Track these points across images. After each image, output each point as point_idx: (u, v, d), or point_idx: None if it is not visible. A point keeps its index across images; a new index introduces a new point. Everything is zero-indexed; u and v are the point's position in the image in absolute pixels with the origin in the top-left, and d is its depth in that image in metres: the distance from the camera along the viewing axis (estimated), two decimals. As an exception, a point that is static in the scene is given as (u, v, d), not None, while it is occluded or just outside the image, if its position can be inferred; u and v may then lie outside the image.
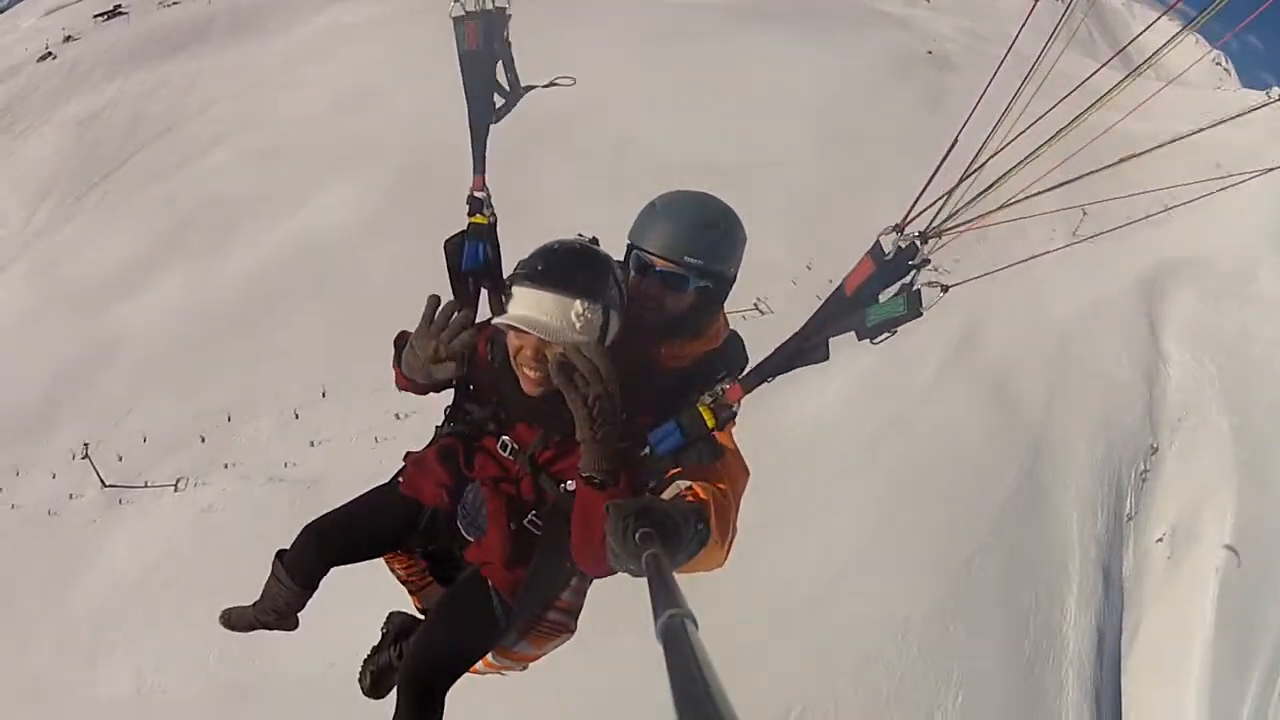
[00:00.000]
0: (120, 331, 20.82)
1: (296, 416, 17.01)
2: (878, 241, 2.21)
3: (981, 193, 2.12)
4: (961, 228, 2.08)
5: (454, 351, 2.42)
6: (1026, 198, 2.12)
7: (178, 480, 17.63)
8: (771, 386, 2.61)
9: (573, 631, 3.02)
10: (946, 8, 31.06)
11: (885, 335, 2.19)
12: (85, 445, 17.81)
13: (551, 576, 2.69)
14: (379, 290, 18.10)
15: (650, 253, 2.62)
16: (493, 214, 3.05)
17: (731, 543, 2.19)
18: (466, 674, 2.94)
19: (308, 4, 28.66)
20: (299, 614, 3.18)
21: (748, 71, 24.16)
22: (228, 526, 16.51)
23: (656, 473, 2.33)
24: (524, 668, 3.23)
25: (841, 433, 14.35)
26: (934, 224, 2.13)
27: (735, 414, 2.36)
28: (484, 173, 3.08)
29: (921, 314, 2.13)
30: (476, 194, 3.07)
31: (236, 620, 3.26)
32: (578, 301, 2.25)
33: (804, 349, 2.37)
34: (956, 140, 2.25)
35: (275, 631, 3.18)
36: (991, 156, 2.15)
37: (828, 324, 2.34)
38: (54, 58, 37.18)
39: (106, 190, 25.17)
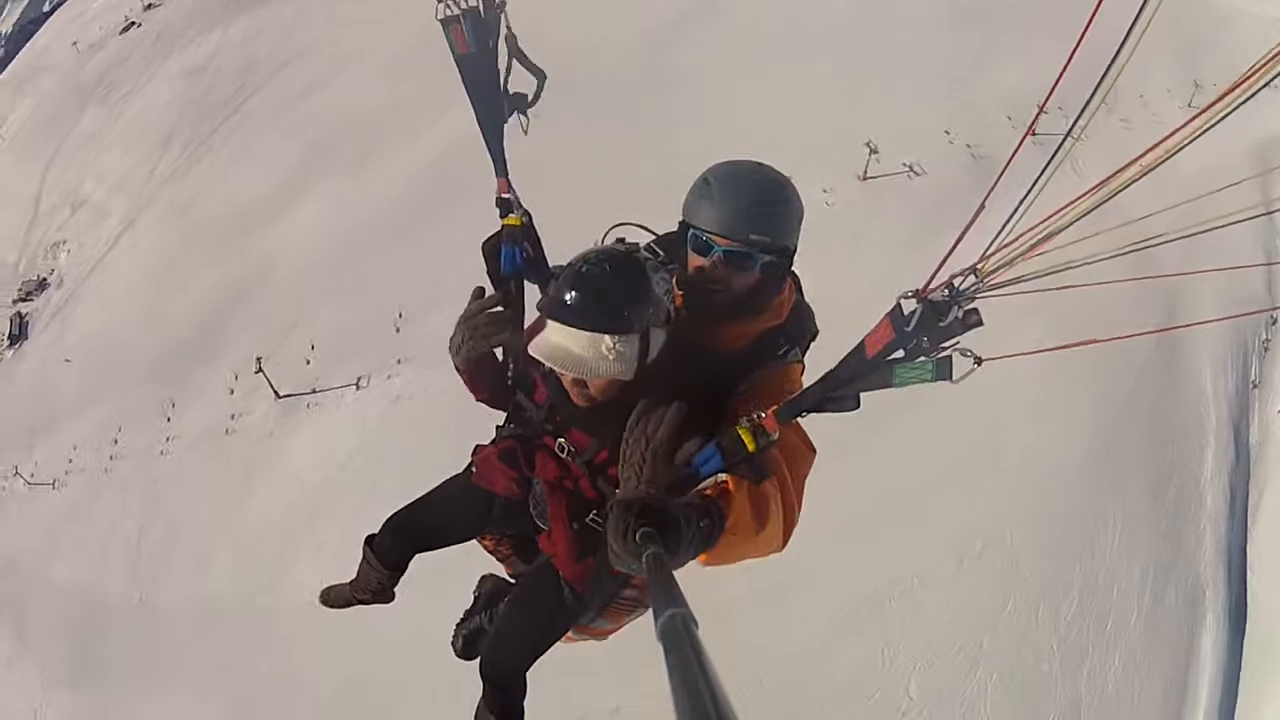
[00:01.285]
0: (273, 251, 21.22)
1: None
2: (897, 304, 2.17)
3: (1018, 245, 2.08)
4: (991, 294, 2.03)
5: (480, 349, 2.74)
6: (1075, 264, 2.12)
7: (359, 379, 17.67)
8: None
9: (649, 606, 3.15)
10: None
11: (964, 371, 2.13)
12: (258, 360, 18.00)
13: None
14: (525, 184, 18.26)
15: (711, 232, 2.61)
16: (525, 213, 3.08)
17: (790, 524, 2.24)
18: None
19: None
20: (394, 591, 3.51)
21: None
22: (420, 412, 16.62)
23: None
24: (604, 639, 3.57)
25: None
26: (965, 286, 2.07)
27: (774, 440, 2.29)
28: (506, 174, 3.12)
29: (953, 380, 2.10)
30: (503, 195, 3.11)
31: (335, 598, 3.67)
32: (607, 337, 2.34)
33: (832, 398, 2.34)
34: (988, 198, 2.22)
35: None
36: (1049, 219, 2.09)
37: (853, 380, 2.30)
38: (139, 25, 38.79)
39: (233, 128, 26.05)
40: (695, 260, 2.71)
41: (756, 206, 2.59)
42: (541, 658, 3.24)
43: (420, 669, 11.71)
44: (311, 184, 22.12)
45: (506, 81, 3.16)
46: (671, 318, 2.52)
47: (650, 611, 2.95)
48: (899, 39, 20.26)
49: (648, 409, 2.30)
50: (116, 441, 20.42)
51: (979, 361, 2.08)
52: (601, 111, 20.09)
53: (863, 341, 2.29)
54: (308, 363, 18.80)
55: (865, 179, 17.39)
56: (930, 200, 15.99)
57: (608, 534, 1.89)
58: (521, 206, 3.11)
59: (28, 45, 43.48)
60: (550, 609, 3.07)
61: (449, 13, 2.92)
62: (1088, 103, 2.48)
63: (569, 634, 3.37)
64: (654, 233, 2.94)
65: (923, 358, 2.18)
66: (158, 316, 21.70)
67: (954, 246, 2.15)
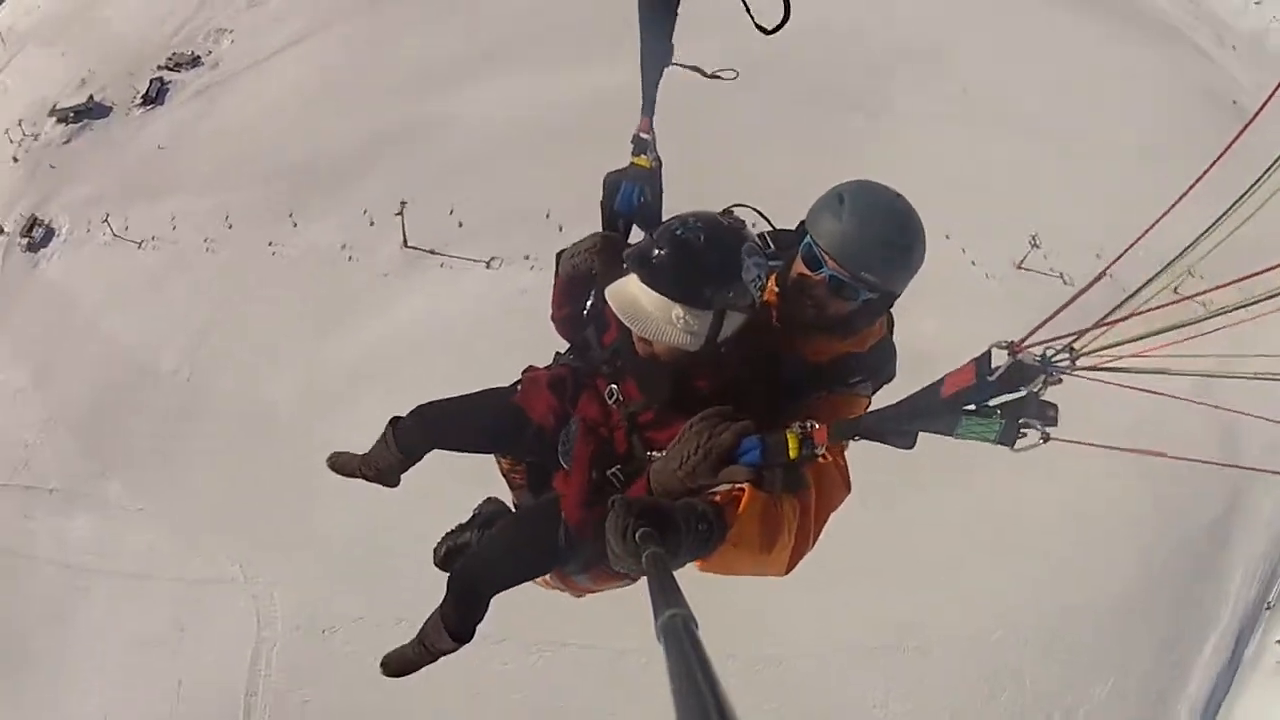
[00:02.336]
0: (448, 116, 21.79)
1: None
2: (988, 351, 2.13)
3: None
4: (1079, 373, 2.01)
5: (583, 265, 2.89)
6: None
7: (492, 259, 18.03)
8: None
9: (634, 580, 3.10)
10: (1250, 57, 31.45)
11: (1029, 443, 2.12)
12: (402, 203, 18.40)
13: None
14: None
15: (825, 251, 2.56)
16: (657, 158, 3.10)
17: (799, 552, 2.29)
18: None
19: None
20: (400, 476, 3.51)
21: (1078, 52, 25.55)
22: (537, 311, 16.87)
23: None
24: (579, 596, 3.63)
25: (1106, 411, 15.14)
26: (1058, 353, 2.03)
27: (818, 455, 2.29)
28: (651, 115, 3.11)
29: (1011, 448, 2.08)
30: (643, 135, 3.11)
31: (342, 464, 3.64)
32: (679, 306, 2.38)
33: (891, 430, 2.32)
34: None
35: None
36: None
37: (918, 417, 2.27)
38: None
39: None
40: (801, 269, 2.69)
41: (879, 246, 2.55)
42: (511, 590, 3.27)
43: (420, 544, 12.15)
44: (507, 68, 22.66)
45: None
46: (756, 306, 2.53)
47: (621, 584, 3.31)
48: (1097, 155, 21.57)
49: (724, 415, 2.32)
50: (230, 225, 21.04)
51: (1046, 438, 2.07)
52: (790, 106, 21.12)
53: (942, 379, 2.23)
54: (444, 227, 19.24)
55: (1020, 267, 18.62)
56: (1068, 311, 16.32)
57: (607, 533, 1.90)
58: (655, 152, 3.11)
59: None
60: (541, 544, 3.04)
61: None
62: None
63: (547, 577, 3.46)
64: (771, 224, 2.97)
65: (993, 418, 2.13)
66: (308, 132, 22.34)
67: (1056, 312, 2.10)
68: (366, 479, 3.57)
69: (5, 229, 24.46)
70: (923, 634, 13.97)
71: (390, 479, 3.55)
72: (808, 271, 2.66)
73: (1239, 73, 34.16)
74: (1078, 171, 20.63)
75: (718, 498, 2.20)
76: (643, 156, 3.08)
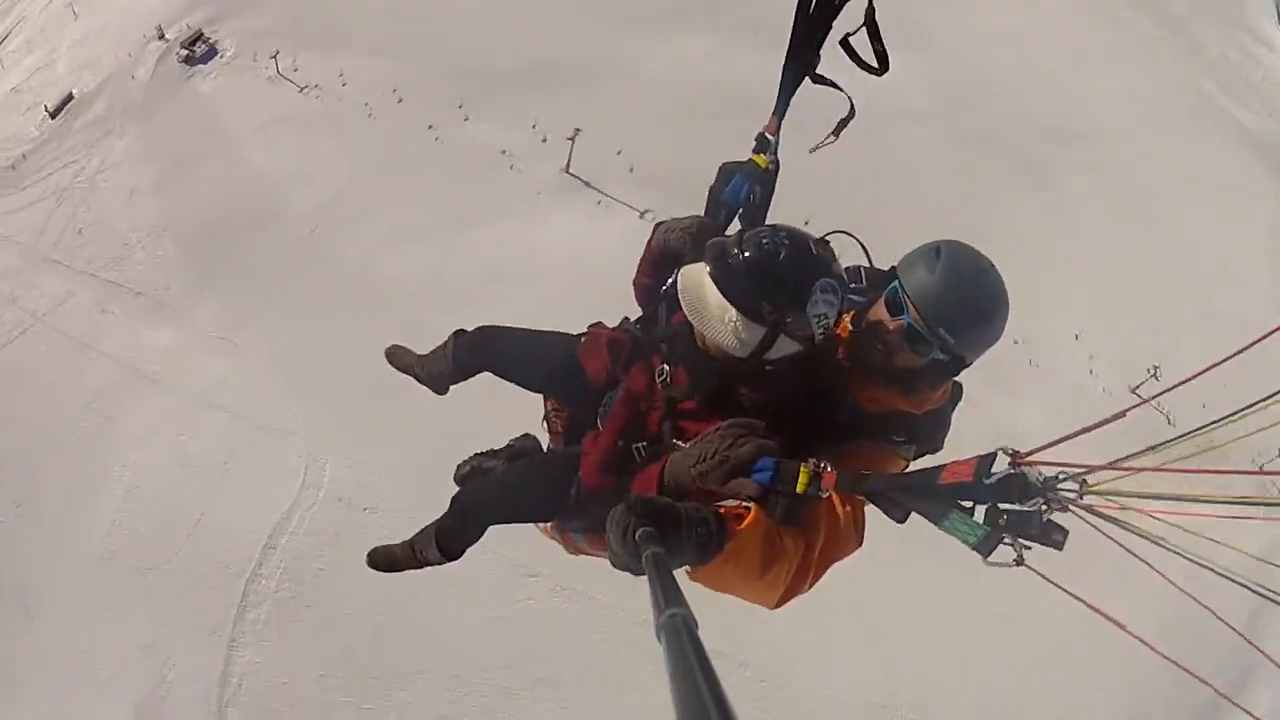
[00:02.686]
0: (632, 61, 21.41)
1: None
2: (993, 454, 2.05)
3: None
4: (1081, 511, 1.93)
5: (676, 241, 3.02)
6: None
7: (646, 211, 17.61)
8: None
9: None
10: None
11: (1012, 556, 2.06)
12: (576, 130, 18.01)
13: None
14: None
15: (910, 299, 2.60)
16: (775, 161, 3.25)
17: (793, 591, 2.31)
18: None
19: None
20: (449, 386, 3.82)
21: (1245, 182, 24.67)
22: None
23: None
24: (573, 553, 3.66)
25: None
26: (1066, 479, 1.93)
27: (823, 497, 2.33)
28: (782, 117, 3.26)
29: (985, 559, 2.02)
30: (769, 135, 3.25)
31: (399, 358, 4.00)
32: (733, 310, 2.49)
33: (886, 498, 2.29)
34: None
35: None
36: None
37: (911, 495, 2.23)
38: None
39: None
40: (880, 312, 2.71)
41: (964, 308, 2.56)
42: (509, 526, 3.36)
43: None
44: (702, 26, 22.27)
45: (880, 49, 3.17)
46: (816, 339, 2.57)
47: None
48: (1240, 295, 20.70)
49: (752, 428, 2.36)
50: (399, 100, 20.79)
51: (1019, 562, 2.01)
52: (956, 149, 20.82)
53: (943, 466, 2.16)
54: (629, 169, 18.78)
55: (1134, 392, 18.13)
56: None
57: (608, 532, 1.93)
58: (775, 155, 3.22)
59: None
60: (550, 492, 3.10)
61: None
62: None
63: (548, 526, 3.51)
64: (870, 258, 2.96)
65: (981, 521, 2.07)
66: (492, 32, 22.49)
67: (1073, 434, 2.06)
68: (417, 379, 3.86)
69: (168, 36, 24.71)
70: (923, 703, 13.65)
71: (440, 385, 3.83)
72: (886, 316, 2.68)
73: None
74: (1215, 309, 19.87)
75: (723, 510, 2.20)
76: (762, 155, 3.19)
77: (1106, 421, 2.09)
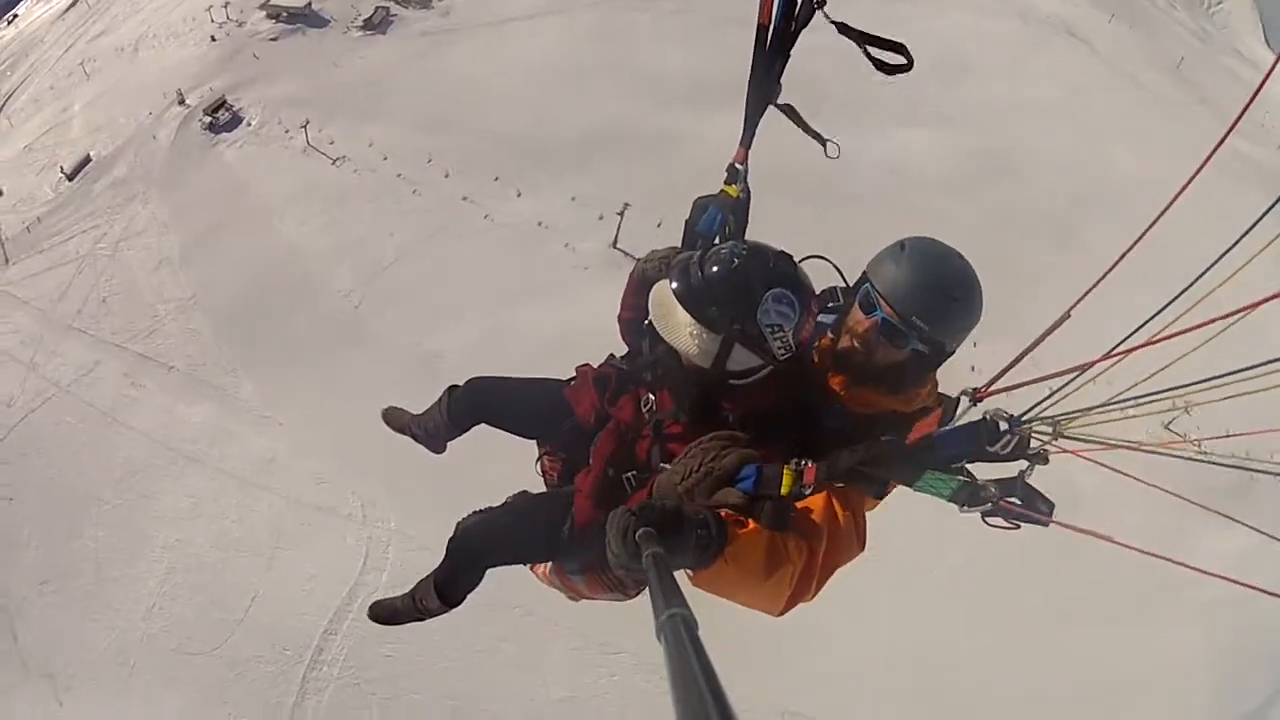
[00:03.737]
0: (679, 135, 22.28)
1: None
2: (956, 398, 2.25)
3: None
4: (1042, 440, 2.03)
5: (643, 271, 3.17)
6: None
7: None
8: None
9: (629, 597, 3.38)
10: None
11: (1003, 521, 2.23)
12: (625, 205, 18.78)
13: None
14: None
15: (880, 295, 2.68)
16: (746, 189, 3.28)
17: (798, 597, 2.34)
18: (533, 577, 3.69)
19: None
20: (446, 443, 3.83)
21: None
22: None
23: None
24: (574, 599, 3.70)
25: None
26: (1035, 415, 2.05)
27: (806, 494, 2.42)
28: (749, 146, 3.28)
29: (960, 508, 2.16)
30: (737, 165, 3.28)
31: (393, 419, 4.04)
32: (698, 322, 2.56)
33: (857, 473, 2.40)
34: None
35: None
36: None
37: (881, 463, 2.36)
38: None
39: (685, 5, 27.63)
40: (856, 314, 2.80)
41: (935, 294, 2.65)
42: (507, 568, 3.40)
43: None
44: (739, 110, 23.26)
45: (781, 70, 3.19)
46: (777, 355, 2.63)
47: (615, 598, 3.39)
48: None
49: (734, 439, 2.48)
50: (444, 175, 21.53)
51: (993, 507, 2.14)
52: (982, 217, 21.77)
53: (910, 429, 2.35)
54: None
55: (1167, 428, 19.33)
56: (1196, 483, 16.84)
57: (608, 532, 1.96)
58: (746, 184, 3.28)
59: None
60: (545, 529, 3.17)
61: None
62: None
63: (545, 571, 3.61)
64: (846, 281, 3.03)
65: (952, 476, 2.22)
66: (533, 106, 23.29)
67: (1018, 358, 2.15)
68: (415, 439, 3.88)
69: (188, 101, 25.63)
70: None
71: (437, 444, 3.85)
72: (861, 315, 2.77)
73: None
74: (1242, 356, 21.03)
75: (724, 514, 2.25)
76: (733, 186, 3.26)
77: (1043, 337, 2.18)
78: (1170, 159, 26.23)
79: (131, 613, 15.06)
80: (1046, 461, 2.14)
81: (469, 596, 3.42)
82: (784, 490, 2.38)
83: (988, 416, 2.15)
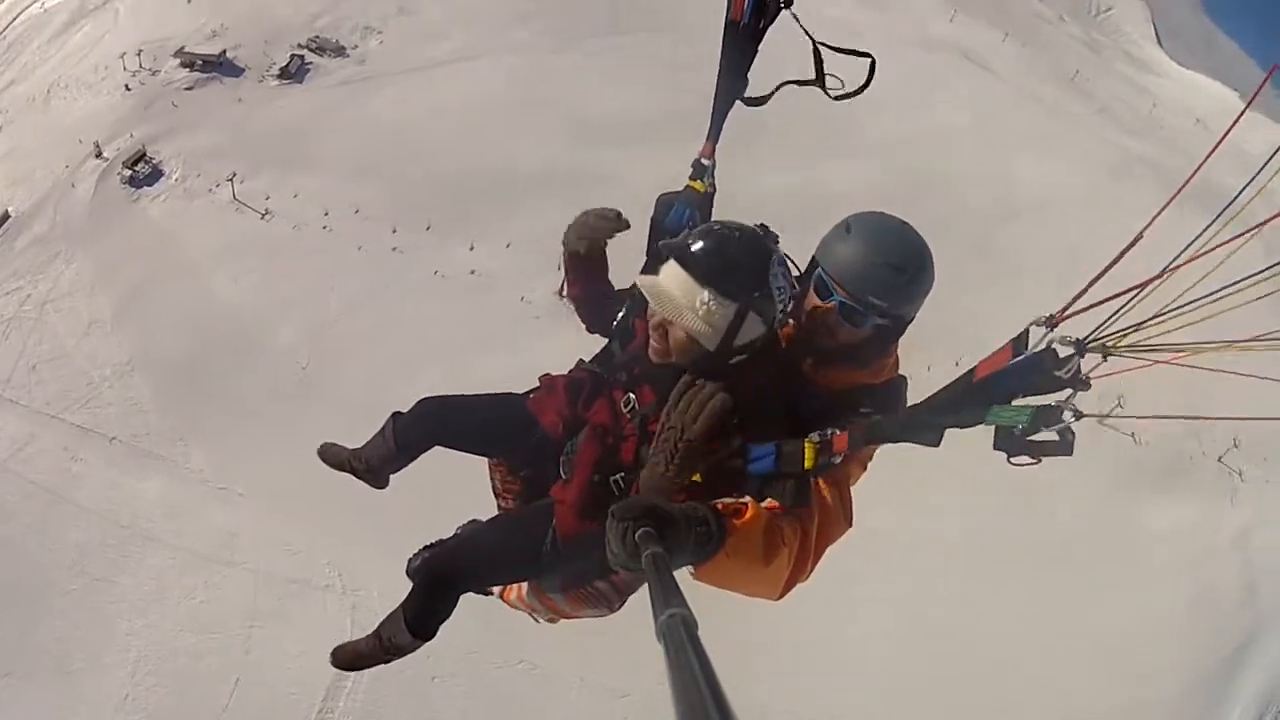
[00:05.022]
0: (609, 176, 21.95)
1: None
2: (1025, 331, 2.14)
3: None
4: (1134, 354, 1.96)
5: (580, 241, 3.19)
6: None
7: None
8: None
9: (614, 609, 3.24)
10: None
11: (1026, 459, 2.13)
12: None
13: None
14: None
15: (834, 279, 2.69)
16: (713, 185, 3.31)
17: (794, 578, 2.34)
18: (501, 603, 3.42)
19: None
20: (389, 476, 3.54)
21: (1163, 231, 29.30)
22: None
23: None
24: (553, 620, 3.48)
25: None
26: (1098, 335, 1.97)
27: (835, 464, 2.42)
28: (716, 141, 3.32)
29: (1038, 430, 2.07)
30: (704, 160, 3.31)
31: (331, 456, 3.66)
32: (706, 291, 2.45)
33: (917, 425, 2.39)
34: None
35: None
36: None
37: (947, 408, 2.32)
38: None
39: (609, 47, 27.71)
40: (813, 300, 2.78)
41: (886, 271, 2.63)
42: (481, 593, 3.28)
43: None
44: (672, 146, 23.23)
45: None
46: (777, 319, 2.60)
47: (596, 613, 3.25)
48: None
49: (689, 391, 2.35)
50: (359, 212, 20.97)
51: (1078, 416, 2.04)
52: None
53: (974, 367, 2.25)
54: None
55: (1101, 423, 20.19)
56: (1136, 466, 21.50)
57: (607, 533, 1.91)
58: (712, 178, 3.27)
59: None
60: (525, 547, 2.93)
61: None
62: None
63: (520, 593, 3.39)
64: (798, 267, 2.93)
65: (1024, 407, 2.12)
66: (457, 152, 22.79)
67: (1095, 280, 2.03)
68: (355, 474, 3.55)
69: (105, 154, 24.11)
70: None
71: (380, 477, 3.54)
72: (819, 301, 2.75)
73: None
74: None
75: (720, 506, 2.18)
76: (700, 181, 3.23)
77: (1130, 289, 1.99)
78: (1074, 168, 27.49)
79: (103, 707, 14.09)
80: (1089, 387, 2.04)
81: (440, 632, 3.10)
82: (809, 464, 2.34)
83: (1051, 345, 2.07)
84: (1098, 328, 1.97)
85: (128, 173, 23.33)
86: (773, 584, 2.29)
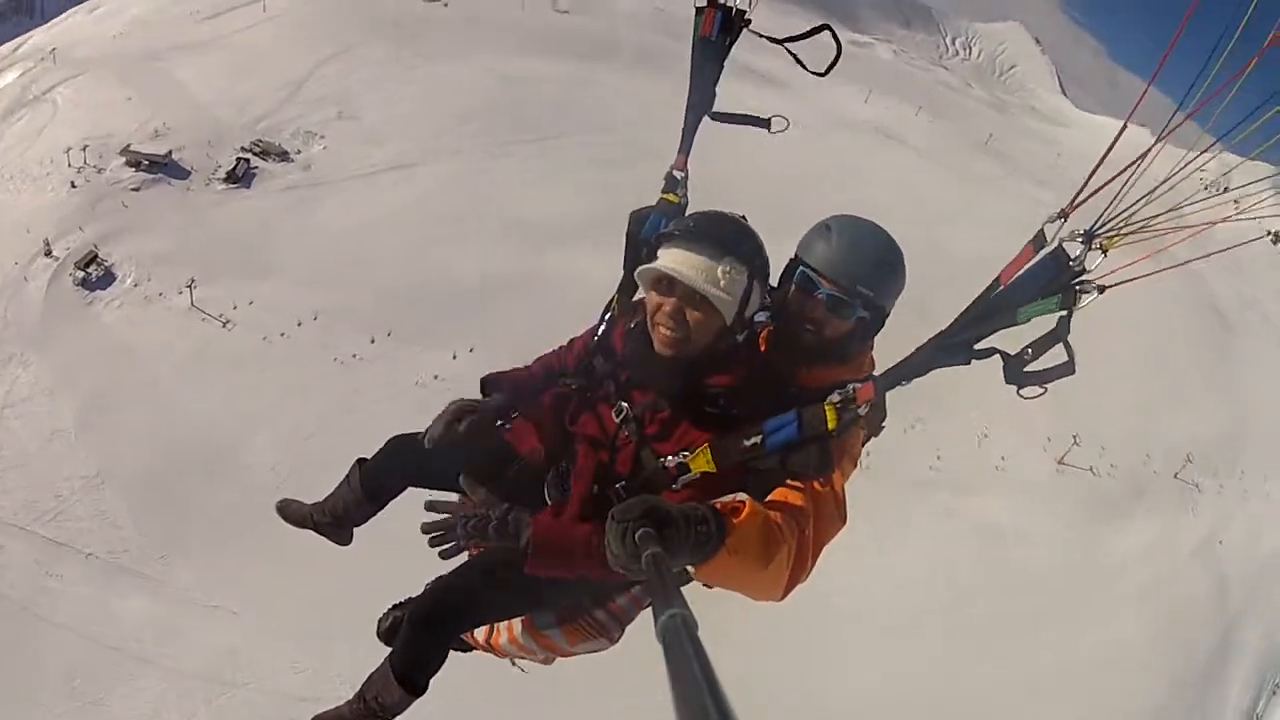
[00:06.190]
0: (552, 275, 22.93)
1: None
2: (1041, 230, 2.21)
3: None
4: (1119, 238, 2.07)
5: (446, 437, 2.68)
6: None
7: None
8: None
9: (614, 641, 3.03)
10: (1225, 269, 39.20)
11: (1036, 388, 2.24)
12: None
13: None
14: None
15: (819, 272, 2.66)
16: (685, 197, 3.16)
17: (795, 577, 2.27)
18: (488, 654, 3.12)
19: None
20: (353, 530, 3.12)
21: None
22: None
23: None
24: (549, 660, 3.19)
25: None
26: (1102, 224, 2.08)
27: (860, 416, 2.39)
28: (688, 154, 3.23)
29: (1074, 308, 2.15)
30: (676, 173, 3.19)
31: (291, 512, 3.19)
32: (726, 259, 2.39)
33: (946, 347, 2.39)
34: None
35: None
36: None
37: (978, 320, 2.34)
38: (444, 4, 41.85)
39: (542, 151, 29.02)
40: (797, 296, 2.72)
41: (869, 262, 2.66)
42: (465, 647, 3.07)
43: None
44: (614, 244, 24.35)
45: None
46: (765, 300, 2.59)
47: (595, 645, 2.95)
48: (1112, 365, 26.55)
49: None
50: (317, 319, 21.16)
51: (1101, 290, 2.12)
52: None
53: (997, 277, 2.30)
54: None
55: (1061, 463, 24.05)
56: (1099, 498, 23.52)
57: (607, 534, 1.83)
58: (685, 189, 3.15)
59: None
60: (518, 577, 2.57)
61: (704, 2, 3.10)
62: None
63: (512, 635, 3.06)
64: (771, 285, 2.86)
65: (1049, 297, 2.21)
66: (408, 258, 23.20)
67: (1096, 167, 2.12)
68: (317, 529, 3.10)
69: (54, 252, 23.77)
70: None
71: (344, 531, 3.11)
72: (803, 295, 2.70)
73: (1220, 284, 40.75)
74: (1092, 378, 25.40)
75: (718, 506, 2.09)
76: (673, 193, 3.11)
77: (1124, 170, 2.07)
78: (995, 227, 29.11)
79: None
80: (1102, 290, 2.14)
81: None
82: (830, 426, 2.31)
83: (1061, 242, 2.16)
84: (1099, 217, 2.06)
85: (80, 274, 23.03)
86: (775, 583, 2.21)
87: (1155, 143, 1.84)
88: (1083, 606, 20.79)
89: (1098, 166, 2.00)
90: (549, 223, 23.84)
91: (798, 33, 2.93)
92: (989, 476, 23.83)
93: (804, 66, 2.99)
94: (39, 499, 17.82)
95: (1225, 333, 38.60)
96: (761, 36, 3.03)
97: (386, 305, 21.10)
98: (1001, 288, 2.28)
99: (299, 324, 21.05)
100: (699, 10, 3.01)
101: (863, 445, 2.69)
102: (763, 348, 2.76)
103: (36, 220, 24.77)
